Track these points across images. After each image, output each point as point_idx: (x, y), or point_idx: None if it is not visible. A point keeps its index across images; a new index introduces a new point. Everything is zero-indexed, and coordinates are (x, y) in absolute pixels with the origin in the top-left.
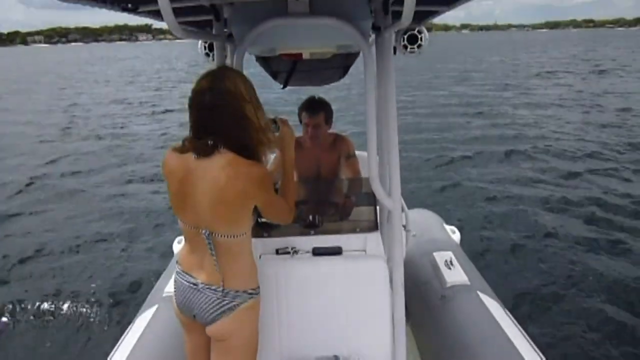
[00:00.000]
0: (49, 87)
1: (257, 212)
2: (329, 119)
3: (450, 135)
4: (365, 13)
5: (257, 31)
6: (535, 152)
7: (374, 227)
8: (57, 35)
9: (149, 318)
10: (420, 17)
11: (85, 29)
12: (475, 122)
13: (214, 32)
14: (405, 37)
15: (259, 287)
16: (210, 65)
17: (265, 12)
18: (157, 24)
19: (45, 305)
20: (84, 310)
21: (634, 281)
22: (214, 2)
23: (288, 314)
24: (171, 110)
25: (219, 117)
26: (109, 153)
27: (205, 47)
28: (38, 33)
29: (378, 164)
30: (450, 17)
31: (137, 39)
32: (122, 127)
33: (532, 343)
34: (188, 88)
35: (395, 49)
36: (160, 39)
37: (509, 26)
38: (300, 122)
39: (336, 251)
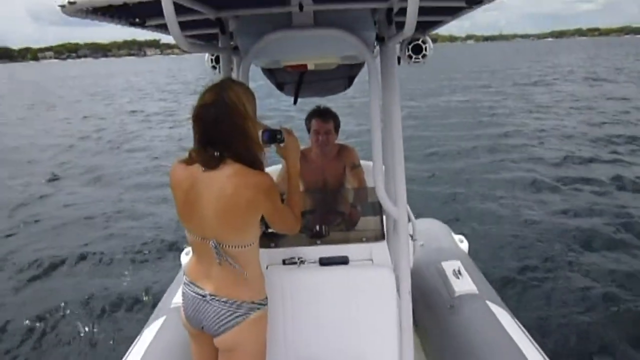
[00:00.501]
0: (71, 101)
1: (264, 223)
2: (337, 128)
3: (457, 144)
4: (369, 24)
5: (263, 43)
6: (542, 161)
7: (380, 236)
8: (67, 51)
9: (157, 329)
10: (424, 27)
11: (94, 44)
12: (482, 131)
13: (219, 44)
14: (410, 47)
15: (266, 298)
16: (217, 77)
17: (270, 25)
18: (165, 39)
19: (51, 318)
20: (92, 322)
21: None
22: (220, 16)
23: (295, 324)
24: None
25: (224, 130)
26: (123, 162)
27: (212, 60)
28: (48, 49)
29: (383, 174)
30: (455, 27)
31: (145, 54)
32: (136, 137)
33: (542, 352)
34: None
35: (399, 59)
36: (168, 54)
37: (515, 36)
38: (309, 130)
39: (343, 261)
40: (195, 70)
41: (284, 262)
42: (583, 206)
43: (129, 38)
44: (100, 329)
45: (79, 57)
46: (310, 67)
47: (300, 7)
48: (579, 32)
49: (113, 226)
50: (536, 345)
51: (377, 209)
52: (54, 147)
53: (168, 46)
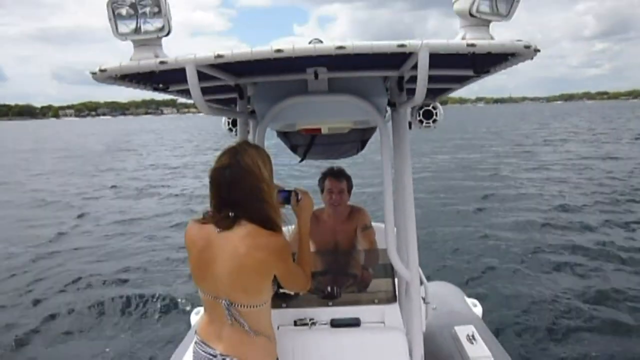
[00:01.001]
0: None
1: (277, 283)
2: (350, 189)
3: (468, 207)
4: (381, 90)
5: (279, 108)
6: (553, 220)
7: (392, 298)
8: (87, 109)
9: None
10: (434, 93)
11: (113, 103)
12: (494, 191)
13: (237, 109)
14: (421, 112)
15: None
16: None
17: (287, 91)
18: (181, 99)
19: None
20: None
21: None
22: (239, 82)
23: None
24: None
25: (238, 192)
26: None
27: (228, 123)
28: (69, 107)
29: (395, 236)
30: (465, 90)
31: (162, 113)
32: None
33: None
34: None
35: (410, 124)
36: (184, 112)
37: (524, 99)
38: (322, 191)
39: (354, 323)
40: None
41: (295, 323)
42: (599, 266)
43: (147, 97)
44: None
45: (97, 115)
46: (324, 130)
47: (316, 75)
48: (588, 96)
49: (120, 281)
50: None
51: (389, 271)
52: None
53: (184, 105)
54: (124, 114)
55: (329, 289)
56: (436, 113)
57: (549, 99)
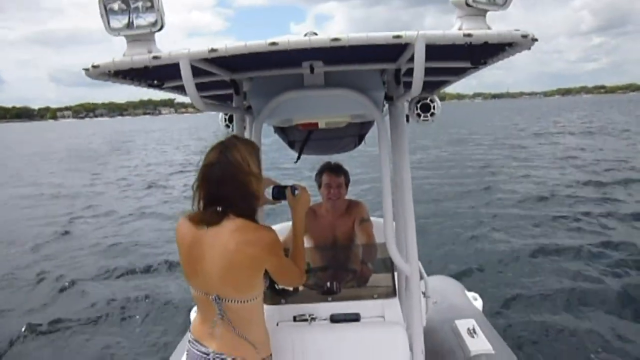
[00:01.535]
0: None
1: (269, 278)
2: (347, 183)
3: (468, 200)
4: (378, 84)
5: (275, 103)
6: (551, 212)
7: (392, 293)
8: (84, 111)
9: None
10: (431, 86)
11: (111, 104)
12: (492, 184)
13: (233, 104)
14: (419, 105)
15: (271, 356)
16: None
17: (283, 86)
18: (179, 98)
19: None
20: None
21: None
22: (234, 77)
23: None
24: None
25: (227, 187)
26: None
27: (225, 119)
28: (67, 109)
29: (394, 230)
30: (463, 85)
31: (160, 113)
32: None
33: None
34: None
35: (408, 117)
36: (182, 112)
37: (521, 94)
38: (319, 186)
39: (354, 318)
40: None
41: (294, 319)
42: (601, 259)
43: (145, 98)
44: None
45: (95, 116)
46: (321, 125)
47: (312, 69)
48: (585, 90)
49: (119, 277)
50: None
51: (389, 266)
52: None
53: (182, 105)
54: (122, 115)
55: (328, 284)
56: (434, 106)
57: (546, 94)
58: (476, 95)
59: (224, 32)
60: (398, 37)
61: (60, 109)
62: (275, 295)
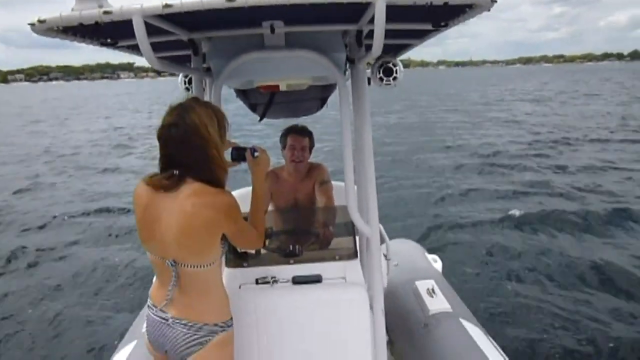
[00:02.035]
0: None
1: (227, 242)
2: (311, 147)
3: (428, 163)
4: (340, 46)
5: (234, 64)
6: (510, 175)
7: (353, 254)
8: (38, 74)
9: (127, 355)
10: (395, 50)
11: (67, 67)
12: (452, 150)
13: (192, 66)
14: (381, 69)
15: (231, 319)
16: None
17: (242, 46)
18: (138, 62)
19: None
20: (64, 344)
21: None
22: (192, 37)
23: (269, 343)
24: None
25: (184, 151)
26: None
27: (185, 82)
28: (19, 72)
29: (356, 193)
30: (427, 54)
31: (119, 77)
32: None
33: None
34: None
35: (369, 80)
36: (142, 77)
37: (484, 62)
38: (283, 148)
39: (316, 279)
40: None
41: (257, 282)
42: (554, 219)
43: (103, 61)
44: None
45: (50, 79)
46: (283, 87)
47: (272, 29)
48: (545, 59)
49: (83, 239)
50: None
51: (350, 229)
52: None
53: (142, 69)
54: (79, 79)
55: (290, 247)
56: (396, 70)
57: (507, 62)
58: (440, 62)
59: None
60: None
61: (11, 72)
62: (237, 258)
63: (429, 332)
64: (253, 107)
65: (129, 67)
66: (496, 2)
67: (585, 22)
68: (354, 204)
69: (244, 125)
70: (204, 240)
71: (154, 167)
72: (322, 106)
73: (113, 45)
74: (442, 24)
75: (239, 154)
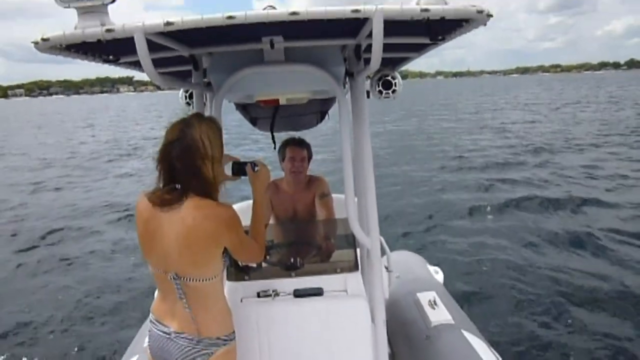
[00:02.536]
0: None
1: (228, 256)
2: (310, 158)
3: (429, 175)
4: (339, 60)
5: (234, 79)
6: (513, 186)
7: (354, 267)
8: (38, 89)
9: None
10: (393, 63)
11: (66, 81)
12: (454, 162)
13: (193, 81)
14: (380, 82)
15: (234, 333)
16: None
17: (242, 61)
18: (138, 76)
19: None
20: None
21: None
22: (193, 53)
23: (271, 357)
24: None
25: (185, 167)
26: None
27: (186, 97)
28: (19, 86)
29: (356, 205)
30: (424, 64)
31: (118, 91)
32: None
33: None
34: None
35: (368, 93)
36: (142, 91)
37: (481, 72)
38: (282, 160)
39: (317, 292)
40: None
41: (258, 295)
42: (555, 230)
43: (102, 75)
44: None
45: (50, 94)
46: (282, 101)
47: (272, 44)
48: (542, 69)
49: (85, 258)
50: None
51: (351, 241)
52: None
53: (141, 83)
54: (78, 93)
55: (291, 259)
56: (395, 83)
57: (505, 72)
58: (437, 73)
59: (182, 7)
60: (356, 11)
61: (11, 87)
62: (239, 271)
63: (431, 344)
64: (253, 121)
65: (128, 81)
66: (492, 16)
67: (582, 31)
68: (354, 216)
69: (249, 135)
70: (206, 252)
71: None
72: (321, 119)
73: (115, 61)
74: (440, 37)
75: (240, 168)
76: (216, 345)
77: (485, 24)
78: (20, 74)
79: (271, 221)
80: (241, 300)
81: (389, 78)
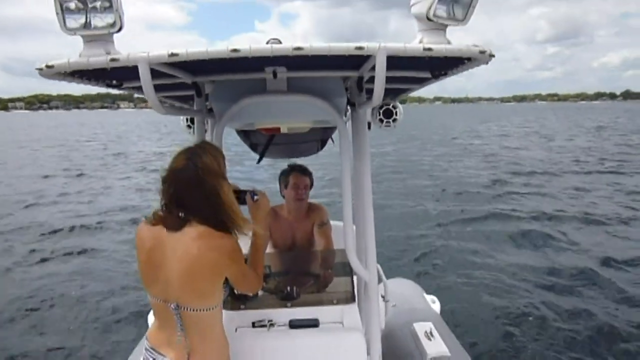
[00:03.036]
0: None
1: (228, 285)
2: (311, 185)
3: (427, 203)
4: (340, 91)
5: (237, 108)
6: (511, 214)
7: (351, 298)
8: (38, 102)
9: None
10: (394, 93)
11: (67, 96)
12: (446, 187)
13: (195, 107)
14: (381, 111)
15: None
16: (192, 138)
17: (245, 90)
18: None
19: None
20: None
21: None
22: (196, 80)
23: None
24: None
25: (193, 194)
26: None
27: (187, 119)
28: (19, 100)
29: (354, 234)
30: (424, 90)
31: (118, 107)
32: None
33: None
34: None
35: (370, 124)
36: (142, 108)
37: (480, 99)
38: (285, 187)
39: (313, 324)
40: None
41: (253, 325)
42: (553, 262)
43: (103, 91)
44: None
45: (50, 108)
46: (284, 130)
47: (274, 74)
48: (539, 97)
49: (74, 274)
50: None
51: (348, 271)
52: None
53: (142, 100)
54: (78, 108)
55: (287, 289)
56: (396, 112)
57: (502, 100)
58: (436, 99)
59: (186, 27)
60: (360, 48)
61: (12, 100)
62: (234, 300)
63: None
64: (254, 147)
65: (128, 97)
66: (494, 56)
67: (579, 62)
68: (352, 248)
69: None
70: (208, 283)
71: None
72: (322, 147)
73: (118, 86)
74: (442, 73)
75: (239, 197)
76: None
77: (487, 63)
78: (21, 88)
79: (269, 248)
80: (236, 330)
81: (390, 107)
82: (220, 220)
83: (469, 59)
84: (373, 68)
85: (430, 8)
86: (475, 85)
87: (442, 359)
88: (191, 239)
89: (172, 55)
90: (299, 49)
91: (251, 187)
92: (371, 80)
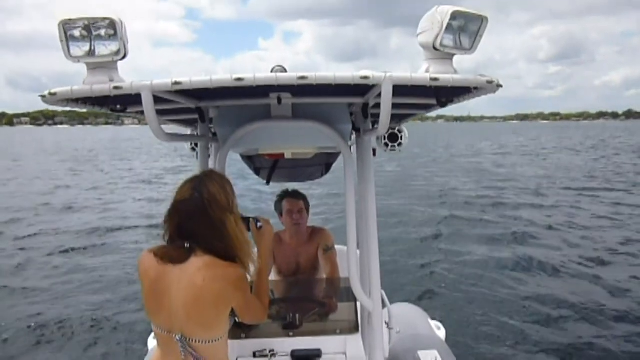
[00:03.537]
0: None
1: (233, 314)
2: (308, 208)
3: (432, 227)
4: (346, 117)
5: (241, 133)
6: (515, 237)
7: (354, 328)
8: (43, 117)
9: None
10: (399, 118)
11: (72, 112)
12: (458, 210)
13: (198, 131)
14: (386, 136)
15: None
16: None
17: (250, 115)
18: None
19: None
20: None
21: None
22: (200, 106)
23: None
24: None
25: (199, 224)
26: None
27: (191, 142)
28: (25, 115)
29: (358, 263)
30: None
31: (123, 123)
32: None
33: None
34: None
35: (375, 151)
36: (146, 124)
37: (482, 118)
38: (280, 214)
39: (316, 354)
40: None
41: (254, 355)
42: (561, 285)
43: None
44: None
45: (55, 124)
46: (288, 155)
47: (279, 100)
48: (542, 116)
49: (72, 294)
50: None
51: (352, 297)
52: None
53: None
54: (83, 124)
55: (290, 317)
56: (401, 136)
57: (505, 119)
58: (439, 117)
59: (191, 44)
60: (365, 77)
61: (17, 115)
62: (236, 329)
63: None
64: (257, 171)
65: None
66: (501, 86)
67: (581, 81)
68: (356, 277)
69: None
70: (214, 312)
71: None
72: (326, 172)
73: (122, 111)
74: (448, 100)
75: (243, 224)
76: None
77: (494, 92)
78: (27, 103)
79: (272, 275)
80: None
81: (396, 131)
82: (226, 250)
83: (476, 87)
84: (379, 95)
85: (437, 38)
86: (477, 103)
87: None
88: (196, 269)
89: (176, 83)
90: (303, 77)
91: (255, 215)
92: (377, 106)
